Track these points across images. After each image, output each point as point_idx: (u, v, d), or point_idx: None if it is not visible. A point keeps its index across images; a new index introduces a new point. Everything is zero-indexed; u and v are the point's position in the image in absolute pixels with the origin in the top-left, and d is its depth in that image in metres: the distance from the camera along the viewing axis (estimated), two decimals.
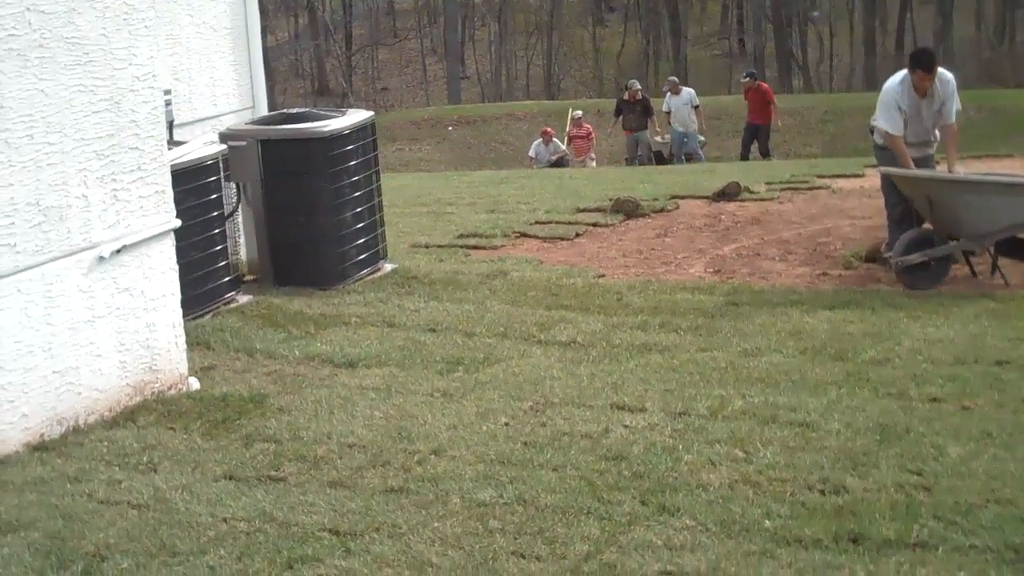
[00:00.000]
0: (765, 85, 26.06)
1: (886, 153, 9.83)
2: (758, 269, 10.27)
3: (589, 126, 26.65)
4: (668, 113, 24.73)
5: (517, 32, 57.47)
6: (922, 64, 9.53)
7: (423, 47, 60.47)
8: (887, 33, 51.39)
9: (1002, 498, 5.03)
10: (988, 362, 7.05)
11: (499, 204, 14.71)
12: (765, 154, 24.13)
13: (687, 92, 24.94)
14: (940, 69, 9.64)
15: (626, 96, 25.40)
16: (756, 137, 24.25)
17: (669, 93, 24.91)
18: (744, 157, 24.13)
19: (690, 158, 24.54)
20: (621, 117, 25.31)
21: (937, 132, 9.92)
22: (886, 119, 9.70)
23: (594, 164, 25.76)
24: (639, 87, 25.73)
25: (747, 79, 25.21)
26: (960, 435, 5.80)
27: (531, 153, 25.78)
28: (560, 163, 24.75)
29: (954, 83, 9.75)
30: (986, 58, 48.81)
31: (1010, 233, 9.27)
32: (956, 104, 9.76)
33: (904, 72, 9.67)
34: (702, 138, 25.59)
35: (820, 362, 7.18)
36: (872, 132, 10.07)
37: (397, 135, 38.06)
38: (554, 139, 25.45)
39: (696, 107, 24.54)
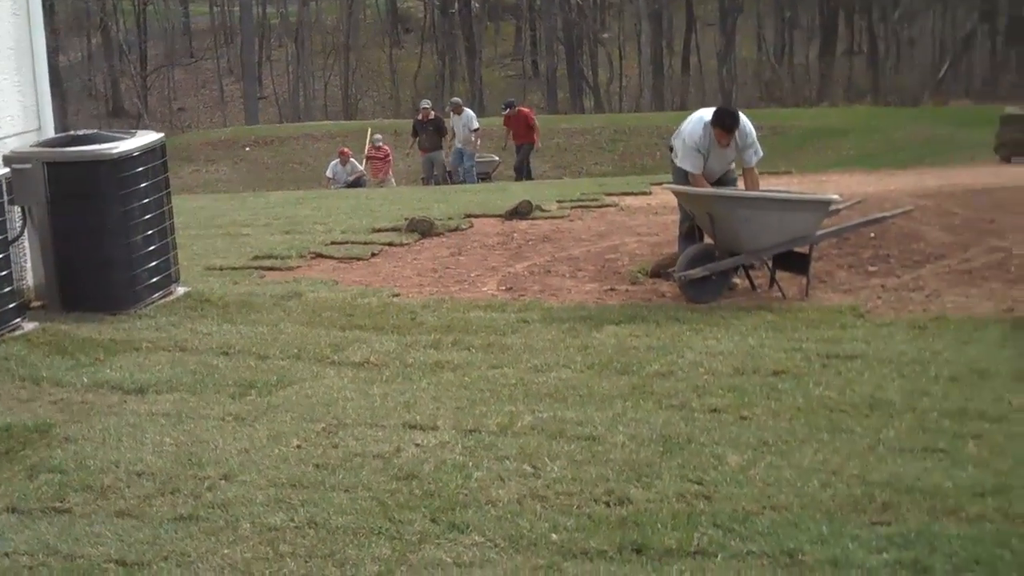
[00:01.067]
0: (526, 110, 26.81)
1: (682, 171, 10.09)
2: (549, 286, 10.45)
3: (387, 147, 26.79)
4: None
5: (315, 52, 57.22)
6: (723, 125, 9.82)
7: (220, 67, 59.75)
8: (674, 54, 52.87)
9: (777, 504, 5.26)
10: (765, 373, 7.32)
11: (295, 225, 14.62)
12: (520, 172, 24.62)
13: (467, 113, 25.30)
14: (743, 120, 9.94)
15: (420, 116, 25.63)
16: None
17: (453, 114, 25.26)
18: (528, 177, 24.64)
19: (486, 177, 24.85)
20: (417, 137, 25.53)
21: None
22: (687, 160, 9.97)
23: (394, 183, 25.86)
24: (429, 106, 25.99)
25: (507, 110, 25.78)
26: (739, 444, 6.04)
27: (328, 173, 25.69)
28: (357, 183, 24.74)
29: (754, 134, 10.08)
30: (766, 78, 50.67)
31: (786, 248, 9.63)
32: (757, 151, 10.09)
33: (708, 119, 9.91)
34: (496, 158, 25.90)
35: (606, 376, 7.37)
36: (671, 150, 10.35)
37: (193, 156, 37.49)
38: (351, 159, 25.43)
39: (475, 129, 24.87)
